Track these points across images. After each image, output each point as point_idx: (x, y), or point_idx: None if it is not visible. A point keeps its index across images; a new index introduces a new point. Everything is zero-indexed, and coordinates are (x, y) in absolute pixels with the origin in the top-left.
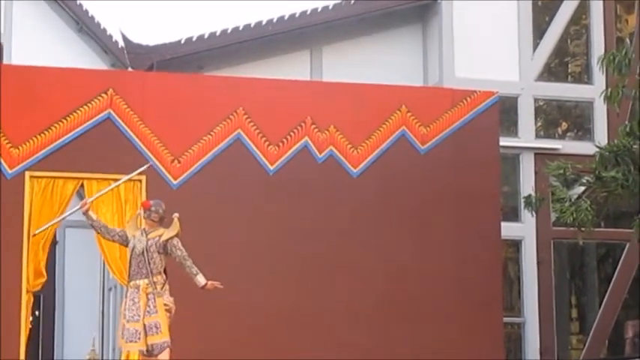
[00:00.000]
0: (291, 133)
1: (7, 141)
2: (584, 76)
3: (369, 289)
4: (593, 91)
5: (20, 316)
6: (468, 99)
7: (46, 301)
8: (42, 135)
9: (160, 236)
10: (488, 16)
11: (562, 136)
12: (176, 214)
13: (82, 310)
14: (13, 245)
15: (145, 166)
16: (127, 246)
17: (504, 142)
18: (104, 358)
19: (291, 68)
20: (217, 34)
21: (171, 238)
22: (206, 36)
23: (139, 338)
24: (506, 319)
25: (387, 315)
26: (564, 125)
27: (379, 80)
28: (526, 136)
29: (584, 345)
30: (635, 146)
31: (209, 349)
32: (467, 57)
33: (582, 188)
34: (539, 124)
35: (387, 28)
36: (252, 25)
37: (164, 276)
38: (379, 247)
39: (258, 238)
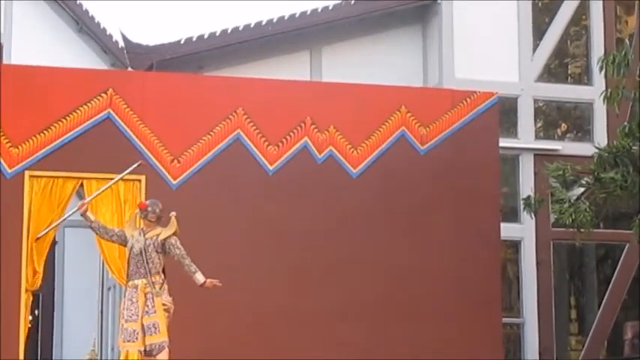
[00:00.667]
0: (291, 134)
1: (6, 140)
2: (583, 78)
3: (369, 289)
4: (593, 93)
5: (19, 316)
6: (468, 100)
7: (45, 300)
8: (41, 134)
9: (158, 235)
10: (488, 16)
11: (562, 137)
12: (173, 213)
13: (81, 310)
14: (13, 244)
15: (136, 164)
16: (125, 246)
17: (504, 143)
18: (103, 357)
19: (291, 68)
20: (217, 34)
21: (169, 236)
22: (206, 36)
23: (137, 338)
24: (505, 320)
25: (386, 315)
26: (564, 126)
27: (379, 81)
28: (526, 137)
29: (583, 346)
30: (634, 147)
31: (208, 348)
32: (467, 58)
33: (581, 189)
34: (538, 125)
35: (387, 28)
36: (252, 26)
37: (163, 276)
38: (379, 247)
39: (257, 238)
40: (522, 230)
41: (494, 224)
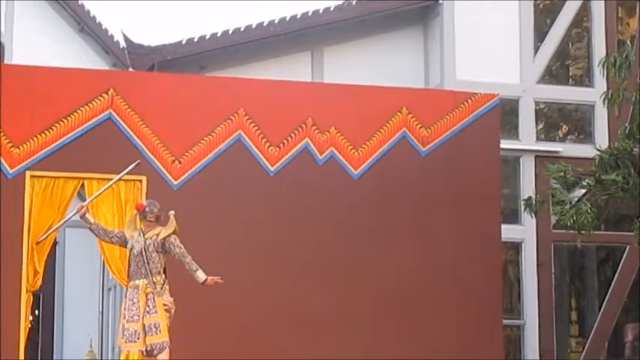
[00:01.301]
0: (292, 135)
1: (7, 140)
2: (585, 79)
3: (370, 290)
4: (594, 94)
5: (20, 316)
6: (469, 101)
7: (45, 300)
8: (43, 135)
9: (158, 235)
10: (490, 18)
11: (563, 139)
12: (172, 212)
13: (81, 310)
14: (14, 245)
15: (134, 164)
16: (126, 247)
17: (505, 144)
18: (103, 357)
19: (292, 69)
20: (219, 34)
21: (169, 235)
22: (207, 37)
23: (138, 338)
24: (505, 322)
25: (386, 316)
26: (565, 128)
27: (380, 82)
28: (527, 138)
29: (584, 348)
30: (635, 149)
31: (209, 348)
32: (468, 59)
33: (583, 191)
34: (540, 126)
35: (388, 29)
36: (253, 26)
37: (164, 276)
38: (380, 248)
39: (258, 239)
40: (523, 232)
41: (495, 226)
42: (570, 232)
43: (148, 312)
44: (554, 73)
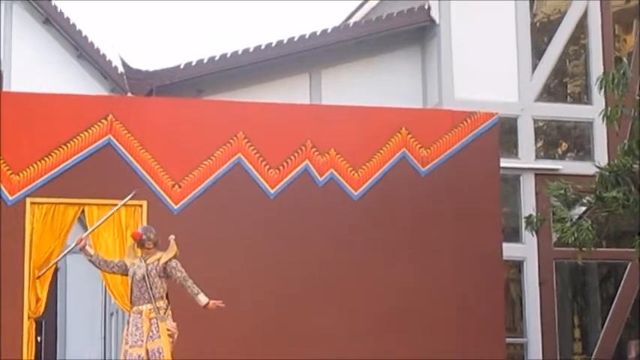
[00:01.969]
0: (292, 157)
1: (7, 167)
2: (583, 97)
3: (371, 310)
4: (593, 111)
5: (22, 343)
6: (468, 120)
7: (48, 327)
8: (42, 161)
9: (159, 260)
10: (487, 37)
11: (562, 157)
12: (172, 236)
13: (84, 336)
14: (15, 271)
15: (131, 194)
16: (127, 275)
17: (505, 163)
18: None
19: (291, 92)
20: (216, 58)
21: (170, 260)
22: (205, 60)
23: None
24: (508, 340)
25: (388, 336)
26: (564, 145)
27: (379, 103)
28: (526, 156)
29: None
30: (635, 166)
31: None
32: (466, 78)
33: (583, 208)
34: (539, 144)
35: (386, 50)
36: (251, 50)
37: (166, 301)
38: (381, 269)
39: (259, 261)
40: (524, 250)
41: (496, 244)
42: (571, 250)
43: (151, 337)
44: (553, 91)
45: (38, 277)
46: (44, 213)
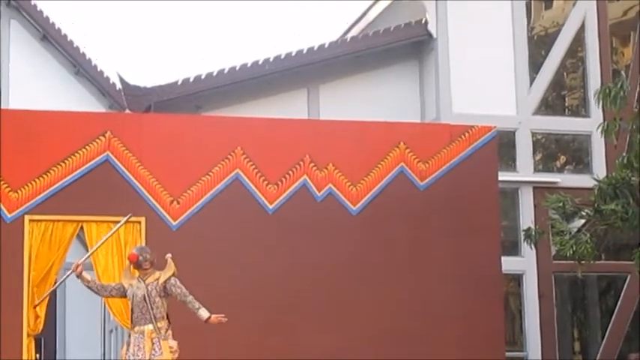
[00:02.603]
0: (290, 172)
1: (5, 185)
2: (581, 110)
3: (370, 325)
4: (591, 124)
5: None
6: (466, 134)
7: (47, 344)
8: (41, 178)
9: (158, 279)
10: (484, 50)
11: (560, 170)
12: (169, 255)
13: (83, 353)
14: (14, 289)
15: (125, 219)
16: (126, 297)
17: (503, 176)
18: None
19: (289, 107)
20: (214, 74)
21: (169, 278)
22: (203, 76)
23: None
24: (508, 354)
25: (387, 350)
26: (562, 159)
27: (377, 117)
28: (524, 170)
29: None
30: (633, 179)
31: None
32: (464, 92)
33: (582, 221)
34: (537, 157)
35: (384, 65)
36: (248, 65)
37: (167, 322)
38: (379, 284)
39: (258, 277)
40: (523, 263)
41: (495, 258)
42: (571, 263)
43: (154, 355)
44: (550, 104)
45: (35, 307)
46: (43, 230)
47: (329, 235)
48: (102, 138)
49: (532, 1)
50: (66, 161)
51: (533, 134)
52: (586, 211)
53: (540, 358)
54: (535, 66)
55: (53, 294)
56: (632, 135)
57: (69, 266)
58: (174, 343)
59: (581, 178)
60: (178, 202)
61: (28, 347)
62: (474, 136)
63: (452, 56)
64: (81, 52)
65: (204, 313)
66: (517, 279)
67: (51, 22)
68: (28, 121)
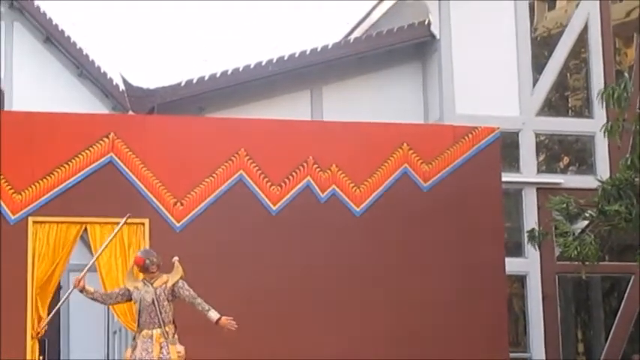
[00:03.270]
0: (293, 173)
1: (9, 187)
2: (584, 110)
3: (374, 326)
4: (594, 125)
5: None
6: (470, 135)
7: (51, 346)
8: (44, 180)
9: (166, 283)
10: (488, 51)
11: (564, 171)
12: (176, 258)
13: (87, 354)
14: (18, 291)
15: (124, 220)
16: (131, 301)
17: (506, 177)
18: None
19: (292, 108)
20: (217, 75)
21: (177, 281)
22: (206, 78)
23: None
24: (512, 355)
25: (392, 351)
26: (566, 160)
27: (380, 118)
28: (528, 171)
29: None
30: (637, 179)
31: None
32: (467, 93)
33: (585, 222)
34: (540, 158)
35: (387, 66)
36: (252, 66)
37: (174, 326)
38: (383, 285)
39: (262, 278)
40: (527, 264)
41: (499, 259)
42: (574, 264)
43: (162, 358)
44: (554, 105)
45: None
46: (47, 232)
47: (332, 236)
48: (105, 139)
49: (535, 2)
50: (69, 163)
51: (537, 135)
52: (590, 212)
53: (544, 359)
54: (538, 67)
55: (56, 293)
56: (635, 136)
57: (73, 268)
58: (181, 348)
59: (585, 179)
60: (182, 204)
61: (32, 349)
62: (478, 137)
63: (455, 57)
64: (84, 53)
65: (214, 315)
66: (521, 280)
67: (54, 23)
68: (32, 123)
